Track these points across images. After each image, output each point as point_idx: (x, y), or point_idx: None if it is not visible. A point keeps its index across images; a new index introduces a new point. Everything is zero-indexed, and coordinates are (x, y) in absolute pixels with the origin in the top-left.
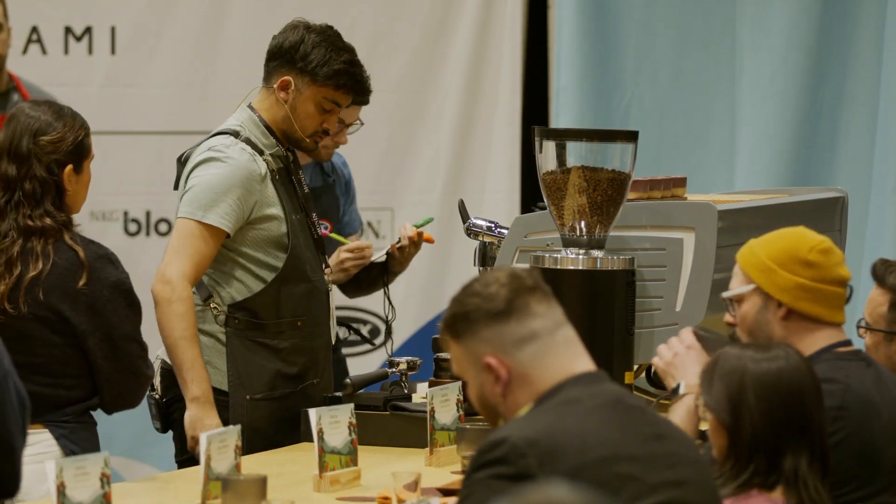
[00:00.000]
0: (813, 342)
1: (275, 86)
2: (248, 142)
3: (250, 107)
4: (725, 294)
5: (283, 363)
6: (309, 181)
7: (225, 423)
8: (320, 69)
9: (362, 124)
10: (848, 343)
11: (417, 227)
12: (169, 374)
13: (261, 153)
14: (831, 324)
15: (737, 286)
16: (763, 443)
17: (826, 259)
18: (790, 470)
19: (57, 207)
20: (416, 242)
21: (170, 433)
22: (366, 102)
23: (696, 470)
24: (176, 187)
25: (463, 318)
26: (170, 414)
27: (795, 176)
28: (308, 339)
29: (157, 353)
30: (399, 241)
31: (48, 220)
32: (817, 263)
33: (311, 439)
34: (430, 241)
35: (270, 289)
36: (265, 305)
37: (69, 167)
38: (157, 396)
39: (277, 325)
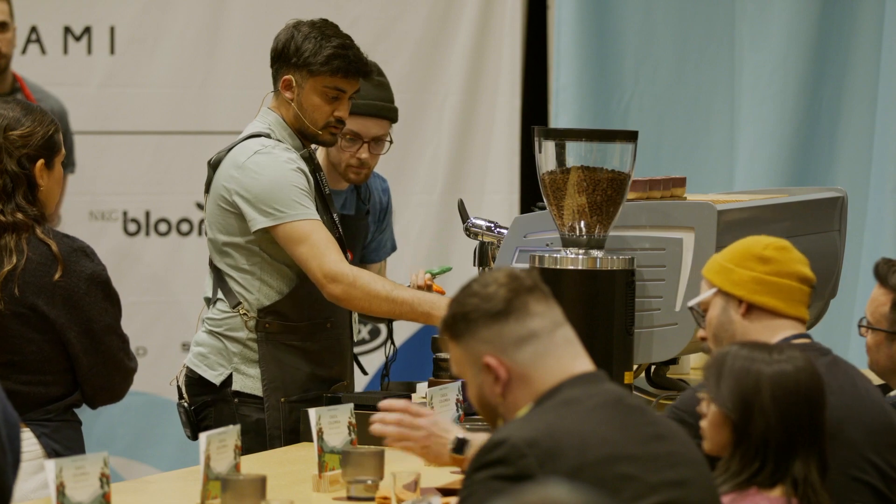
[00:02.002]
0: (770, 336)
1: (280, 88)
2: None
3: (270, 110)
4: (690, 303)
5: (315, 365)
6: (342, 208)
7: (261, 424)
8: (313, 58)
9: (391, 143)
10: (807, 336)
11: (433, 274)
12: (196, 381)
13: None
14: (792, 318)
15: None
16: (774, 443)
17: (782, 255)
18: (801, 473)
19: (29, 202)
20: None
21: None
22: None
23: (696, 470)
24: (207, 191)
25: (462, 318)
26: (199, 422)
27: (795, 176)
28: (336, 341)
29: (183, 363)
30: None
31: (20, 215)
32: (773, 259)
33: (310, 439)
34: (440, 292)
35: (300, 290)
36: (294, 307)
37: (40, 162)
38: (185, 404)
39: (307, 327)
